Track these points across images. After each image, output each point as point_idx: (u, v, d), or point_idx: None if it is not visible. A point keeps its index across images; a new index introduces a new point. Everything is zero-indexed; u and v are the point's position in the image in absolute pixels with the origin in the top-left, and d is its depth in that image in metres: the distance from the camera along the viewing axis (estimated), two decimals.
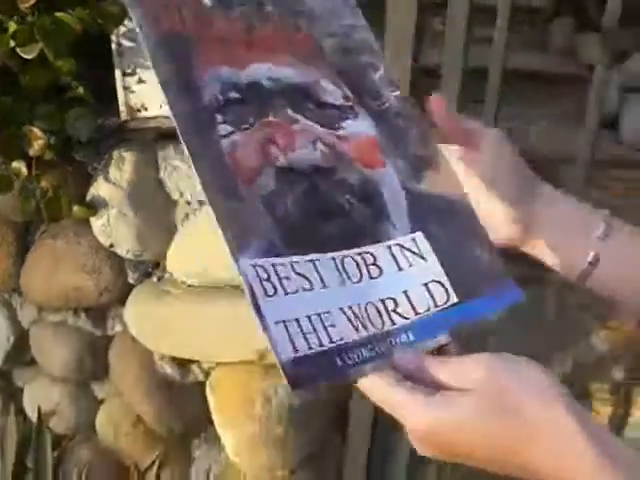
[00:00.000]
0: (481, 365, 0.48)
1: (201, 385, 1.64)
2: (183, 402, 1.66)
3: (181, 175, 1.52)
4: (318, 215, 0.50)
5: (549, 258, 0.66)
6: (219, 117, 0.49)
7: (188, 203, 1.54)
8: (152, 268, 1.62)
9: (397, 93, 0.58)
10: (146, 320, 1.61)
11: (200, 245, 1.51)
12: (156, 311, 1.58)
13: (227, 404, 1.60)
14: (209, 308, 1.53)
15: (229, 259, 0.45)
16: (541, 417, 0.47)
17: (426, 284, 0.50)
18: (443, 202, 0.55)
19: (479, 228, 0.56)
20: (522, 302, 0.53)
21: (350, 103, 0.55)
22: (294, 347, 0.44)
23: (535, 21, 3.04)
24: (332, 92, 0.54)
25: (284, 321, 0.44)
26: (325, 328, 0.45)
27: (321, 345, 0.45)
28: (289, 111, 0.52)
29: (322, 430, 1.61)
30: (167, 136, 1.49)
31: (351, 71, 0.56)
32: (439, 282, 0.51)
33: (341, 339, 0.46)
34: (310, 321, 0.45)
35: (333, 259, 0.49)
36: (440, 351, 0.50)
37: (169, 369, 1.64)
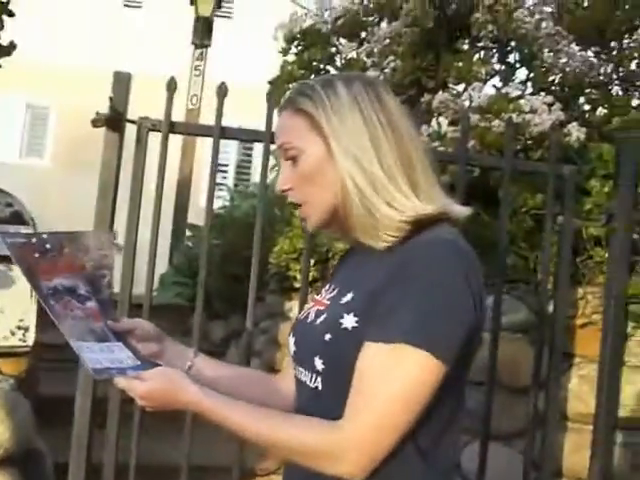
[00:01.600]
0: (156, 370, 1.24)
1: None
2: None
3: None
4: (90, 333, 1.29)
5: (171, 364, 1.34)
6: (50, 298, 1.27)
7: None
8: None
9: (111, 289, 1.37)
10: None
11: None
12: None
13: None
14: None
15: None
16: (180, 383, 1.22)
17: (128, 355, 1.29)
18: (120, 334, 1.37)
19: (134, 346, 1.35)
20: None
21: (89, 295, 1.33)
22: (94, 366, 1.22)
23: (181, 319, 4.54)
24: (83, 290, 1.32)
25: (90, 358, 1.22)
26: (101, 362, 1.23)
27: (101, 366, 1.23)
28: (67, 297, 1.29)
29: None
30: None
31: (94, 279, 1.35)
32: (131, 356, 1.30)
33: (106, 366, 1.24)
34: (98, 360, 1.23)
35: (98, 346, 1.27)
36: None
37: None
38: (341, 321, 1.20)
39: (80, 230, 1.39)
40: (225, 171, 11.69)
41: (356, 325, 1.19)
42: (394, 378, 1.13)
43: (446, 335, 1.15)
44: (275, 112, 2.49)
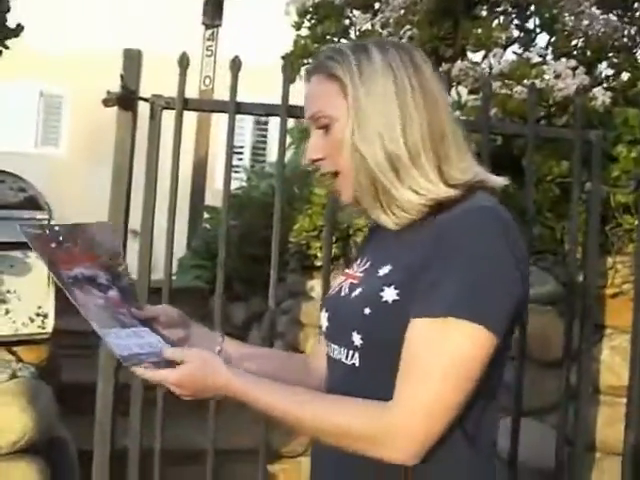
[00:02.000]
0: (192, 351, 1.20)
1: None
2: None
3: None
4: (115, 320, 1.25)
5: (199, 347, 1.28)
6: (72, 286, 1.24)
7: None
8: None
9: (130, 276, 1.36)
10: None
11: None
12: None
13: None
14: None
15: None
16: (213, 365, 1.16)
17: (158, 339, 1.26)
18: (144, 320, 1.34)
19: (161, 333, 1.32)
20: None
21: (109, 284, 1.30)
22: (121, 352, 1.17)
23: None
24: (103, 279, 1.29)
25: (117, 344, 1.19)
26: (130, 348, 1.20)
27: (130, 352, 1.19)
28: (88, 286, 1.26)
29: None
30: None
31: (111, 268, 1.32)
32: (161, 340, 1.26)
33: (136, 352, 1.19)
34: (127, 346, 1.19)
35: (125, 332, 1.24)
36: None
37: None
38: (381, 294, 1.15)
39: (84, 222, 1.36)
40: (241, 152, 11.68)
41: (397, 298, 1.14)
42: (443, 353, 1.08)
43: (495, 306, 1.09)
44: (294, 83, 2.49)
